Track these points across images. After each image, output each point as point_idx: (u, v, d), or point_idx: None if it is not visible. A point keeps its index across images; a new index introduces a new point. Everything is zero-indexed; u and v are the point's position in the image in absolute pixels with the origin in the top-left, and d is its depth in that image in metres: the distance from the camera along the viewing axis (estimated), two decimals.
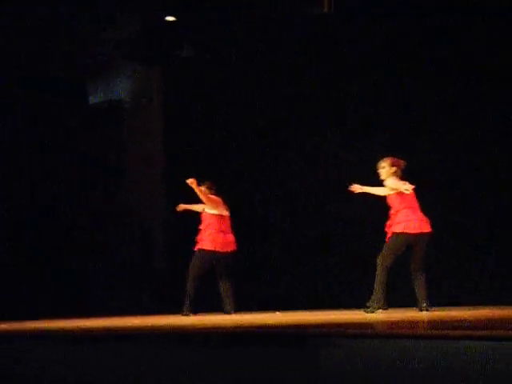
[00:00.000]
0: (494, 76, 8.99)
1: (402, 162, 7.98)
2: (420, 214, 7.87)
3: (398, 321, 6.22)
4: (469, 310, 7.72)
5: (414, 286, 7.84)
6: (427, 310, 7.63)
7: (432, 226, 7.82)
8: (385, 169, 7.96)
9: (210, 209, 9.11)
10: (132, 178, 12.31)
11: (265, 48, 10.66)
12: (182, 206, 9.40)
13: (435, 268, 9.37)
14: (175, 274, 10.42)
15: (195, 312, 8.96)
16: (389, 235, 7.89)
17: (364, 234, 9.93)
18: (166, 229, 12.04)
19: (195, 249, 9.13)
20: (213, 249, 9.02)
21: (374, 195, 8.12)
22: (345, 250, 10.10)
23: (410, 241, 7.79)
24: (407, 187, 7.68)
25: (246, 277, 10.62)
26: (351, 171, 9.99)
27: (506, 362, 3.60)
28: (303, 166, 10.55)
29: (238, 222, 10.87)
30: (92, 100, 12.50)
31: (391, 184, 7.87)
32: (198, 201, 9.09)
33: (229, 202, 10.94)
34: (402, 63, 9.54)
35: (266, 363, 4.35)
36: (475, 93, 9.14)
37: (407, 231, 7.78)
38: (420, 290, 7.79)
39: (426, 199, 9.43)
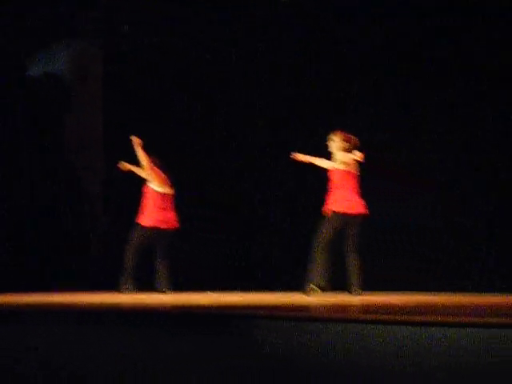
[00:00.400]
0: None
1: (355, 139, 7.98)
2: (357, 196, 7.93)
3: (330, 304, 6.29)
4: (400, 295, 7.82)
5: (347, 268, 7.86)
6: (359, 294, 7.67)
7: (367, 208, 7.90)
8: (335, 142, 7.99)
9: (155, 185, 9.20)
10: (70, 153, 12.27)
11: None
12: (125, 165, 9.44)
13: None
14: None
15: (135, 289, 9.00)
16: (325, 211, 7.92)
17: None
18: (105, 203, 12.06)
19: (136, 222, 9.18)
20: (154, 225, 9.10)
21: (318, 167, 8.20)
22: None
23: (345, 220, 7.81)
24: (358, 155, 7.68)
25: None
26: None
27: (431, 345, 3.69)
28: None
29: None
30: (31, 73, 12.41)
31: (342, 157, 7.88)
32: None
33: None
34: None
35: (193, 343, 4.43)
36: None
37: (343, 211, 7.83)
38: (353, 274, 7.82)
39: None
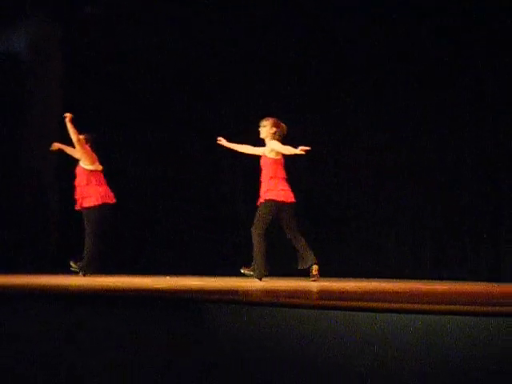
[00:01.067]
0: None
1: (285, 126, 8.06)
2: (287, 185, 8.03)
3: (280, 290, 6.35)
4: (358, 281, 7.96)
5: (297, 250, 7.98)
6: (317, 278, 7.81)
7: (295, 197, 8.06)
8: (265, 128, 8.11)
9: (86, 164, 9.21)
10: (28, 136, 12.21)
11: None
12: (56, 145, 9.43)
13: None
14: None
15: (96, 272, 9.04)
16: (259, 201, 8.03)
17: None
18: (60, 193, 12.03)
19: (83, 207, 9.14)
20: (102, 202, 9.09)
21: (245, 154, 8.26)
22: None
23: (277, 208, 7.92)
24: (300, 149, 7.69)
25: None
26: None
27: (384, 331, 3.77)
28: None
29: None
30: None
31: (277, 146, 7.94)
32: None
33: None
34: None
35: (145, 325, 4.51)
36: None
37: (276, 199, 7.93)
38: (304, 252, 7.92)
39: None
